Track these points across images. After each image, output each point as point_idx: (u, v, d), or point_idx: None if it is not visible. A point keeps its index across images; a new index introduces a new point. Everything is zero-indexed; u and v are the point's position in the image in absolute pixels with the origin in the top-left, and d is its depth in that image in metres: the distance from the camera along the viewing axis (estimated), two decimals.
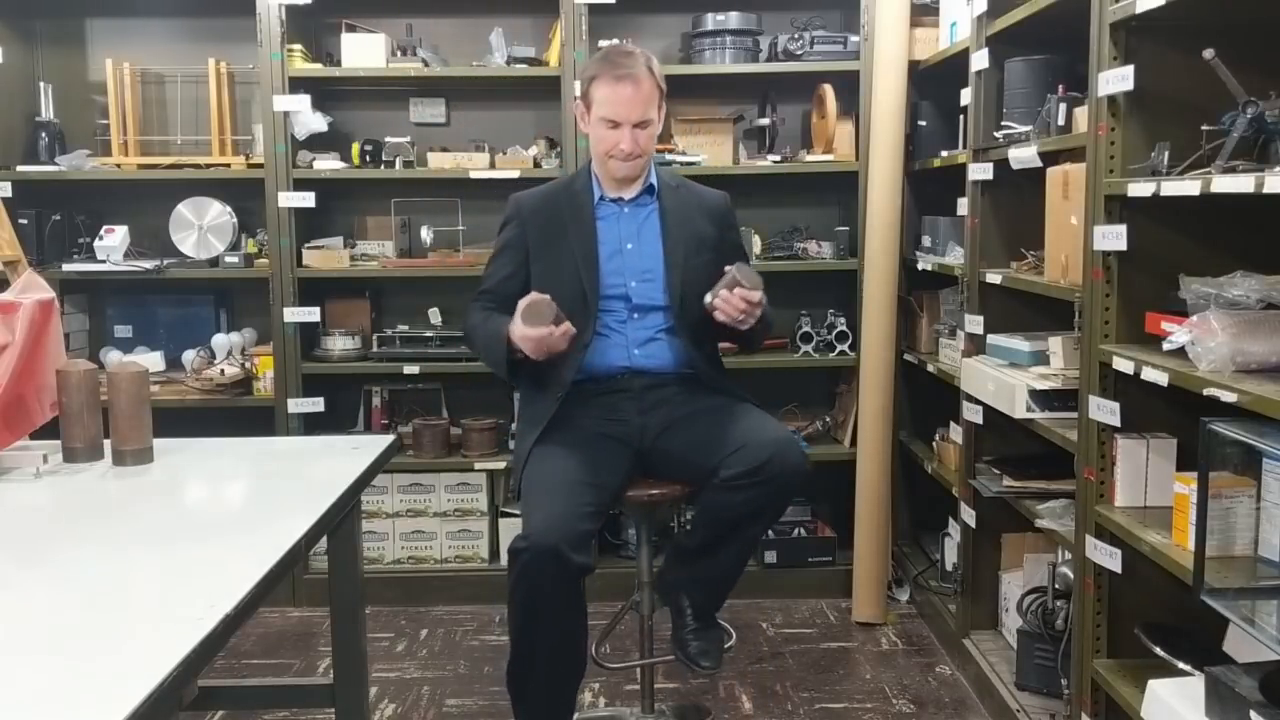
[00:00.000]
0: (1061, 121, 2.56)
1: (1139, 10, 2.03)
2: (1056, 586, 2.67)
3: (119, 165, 3.69)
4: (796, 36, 3.65)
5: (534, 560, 2.12)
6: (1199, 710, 1.79)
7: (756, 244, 3.76)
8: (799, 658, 3.27)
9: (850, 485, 3.62)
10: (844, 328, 3.72)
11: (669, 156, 3.61)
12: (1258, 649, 1.84)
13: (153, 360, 3.75)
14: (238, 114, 3.82)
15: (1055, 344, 2.63)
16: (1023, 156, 2.66)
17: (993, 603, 3.13)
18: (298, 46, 3.61)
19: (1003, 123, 2.85)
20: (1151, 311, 2.16)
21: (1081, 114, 2.45)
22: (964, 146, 3.14)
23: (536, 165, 3.66)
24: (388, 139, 3.70)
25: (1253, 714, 1.64)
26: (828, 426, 3.93)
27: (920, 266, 3.54)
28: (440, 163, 3.68)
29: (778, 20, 3.76)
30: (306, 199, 3.59)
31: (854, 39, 3.64)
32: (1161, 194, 1.99)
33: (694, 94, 3.83)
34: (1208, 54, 1.92)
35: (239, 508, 1.94)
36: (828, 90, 3.66)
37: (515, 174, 3.57)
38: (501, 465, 3.67)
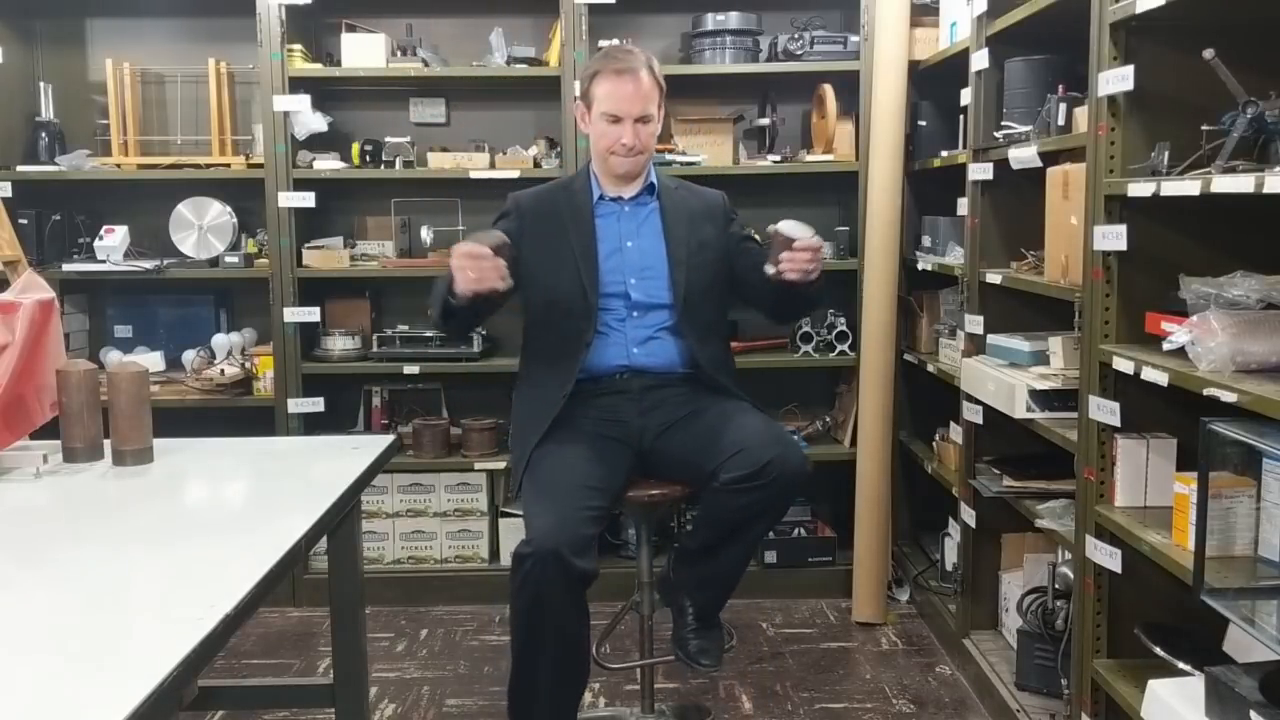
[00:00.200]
0: (1061, 121, 2.56)
1: (1139, 10, 2.03)
2: (1056, 586, 2.67)
3: (119, 165, 3.69)
4: (796, 36, 3.65)
5: (537, 566, 2.11)
6: (1199, 710, 1.79)
7: None
8: (799, 658, 3.27)
9: (850, 485, 3.62)
10: (844, 328, 3.72)
11: (669, 156, 3.61)
12: (1258, 649, 1.84)
13: (153, 360, 3.75)
14: (238, 114, 3.82)
15: (1055, 344, 2.62)
16: (1023, 156, 2.66)
17: (993, 603, 3.13)
18: (298, 46, 3.61)
19: (1003, 123, 2.85)
20: (1151, 311, 2.16)
21: (1081, 114, 2.45)
22: (964, 146, 3.14)
23: (536, 165, 3.66)
24: (388, 139, 3.70)
25: (1253, 714, 1.64)
26: (828, 426, 3.93)
27: (920, 266, 3.54)
28: (440, 163, 3.68)
29: (778, 20, 3.76)
30: (306, 199, 3.59)
31: (854, 39, 3.64)
32: (1161, 194, 1.99)
33: (694, 94, 3.83)
34: (1208, 54, 1.92)
35: (239, 508, 1.93)
36: (828, 90, 3.66)
37: (515, 174, 3.57)
38: (502, 465, 3.66)
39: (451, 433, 3.78)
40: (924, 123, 3.64)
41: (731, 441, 2.28)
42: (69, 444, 2.01)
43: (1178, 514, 2.01)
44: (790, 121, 3.90)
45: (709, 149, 3.75)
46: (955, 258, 3.28)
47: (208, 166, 3.68)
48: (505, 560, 3.74)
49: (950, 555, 3.42)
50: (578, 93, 2.62)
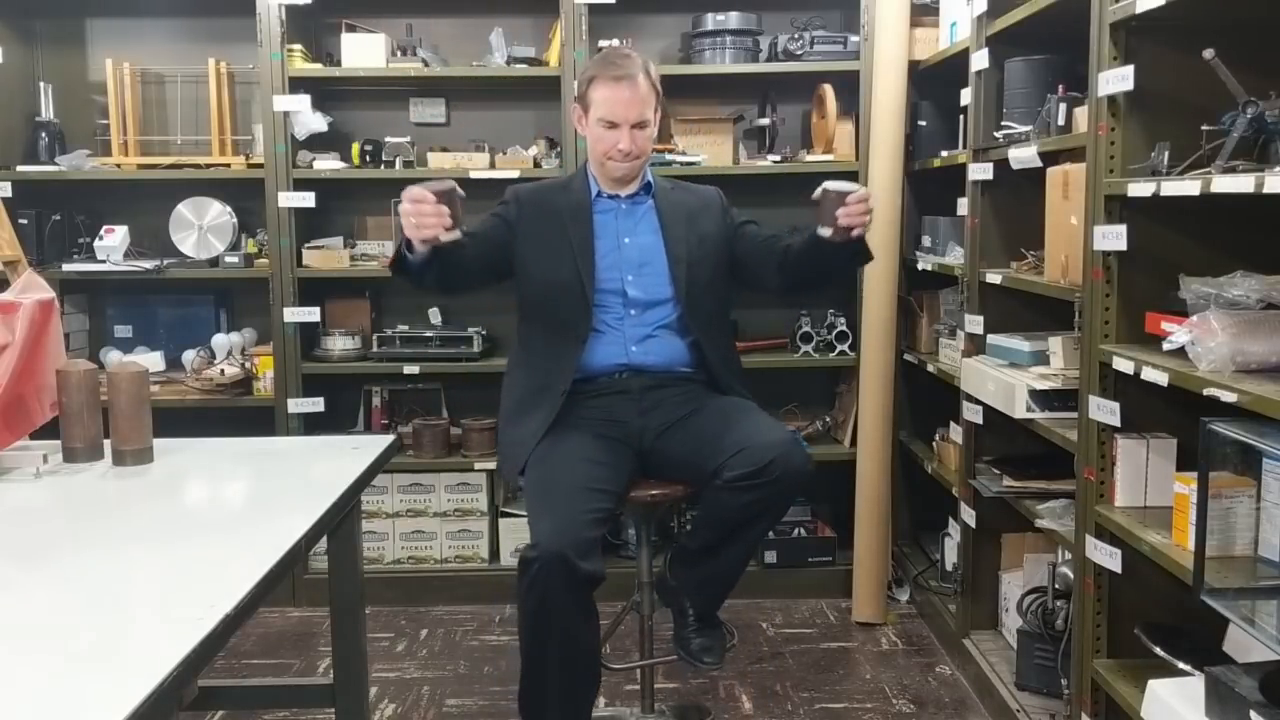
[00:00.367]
0: (1061, 121, 2.56)
1: (1139, 10, 2.03)
2: (1056, 586, 2.67)
3: (119, 165, 3.69)
4: (796, 36, 3.65)
5: (543, 570, 2.10)
6: (1199, 710, 1.79)
7: None
8: (799, 658, 3.27)
9: (850, 485, 3.62)
10: (844, 328, 3.72)
11: (669, 156, 3.61)
12: (1258, 649, 1.84)
13: (153, 360, 3.75)
14: (238, 114, 3.82)
15: (1055, 344, 2.62)
16: (1023, 156, 2.66)
17: (993, 603, 3.13)
18: (298, 46, 3.61)
19: (1003, 123, 2.85)
20: (1151, 311, 2.16)
21: (1081, 114, 2.45)
22: (964, 146, 3.14)
23: (536, 165, 3.66)
24: (388, 139, 3.70)
25: (1253, 714, 1.64)
26: (828, 426, 3.93)
27: (920, 266, 3.54)
28: (440, 163, 3.68)
29: (778, 20, 3.76)
30: (306, 199, 3.59)
31: (854, 39, 3.64)
32: (1161, 194, 1.99)
33: (694, 94, 3.83)
34: (1208, 54, 1.91)
35: (239, 508, 1.94)
36: (828, 90, 3.66)
37: (515, 174, 3.57)
38: None
39: (451, 433, 3.78)
40: (924, 123, 3.64)
41: (734, 440, 2.28)
42: (69, 444, 2.01)
43: (1178, 514, 2.01)
44: (790, 121, 3.90)
45: (709, 149, 3.75)
46: (955, 258, 3.28)
47: (208, 166, 3.68)
48: (505, 560, 3.75)
49: (950, 555, 3.42)
50: (575, 94, 2.62)
